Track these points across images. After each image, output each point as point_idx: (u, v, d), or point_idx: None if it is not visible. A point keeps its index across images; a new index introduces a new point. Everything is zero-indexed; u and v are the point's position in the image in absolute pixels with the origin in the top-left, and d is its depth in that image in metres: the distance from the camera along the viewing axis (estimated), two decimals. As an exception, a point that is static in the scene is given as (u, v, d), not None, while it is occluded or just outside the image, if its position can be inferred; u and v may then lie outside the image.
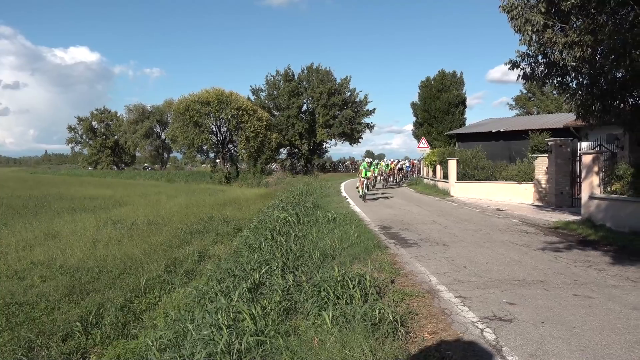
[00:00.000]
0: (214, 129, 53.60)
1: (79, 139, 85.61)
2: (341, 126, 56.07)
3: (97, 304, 9.23)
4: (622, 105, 12.85)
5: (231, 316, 6.10)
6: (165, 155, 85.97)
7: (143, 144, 79.79)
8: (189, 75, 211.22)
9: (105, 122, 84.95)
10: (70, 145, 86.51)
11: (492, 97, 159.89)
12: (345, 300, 5.76)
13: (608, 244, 9.89)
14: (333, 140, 59.45)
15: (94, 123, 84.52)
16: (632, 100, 12.80)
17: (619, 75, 11.98)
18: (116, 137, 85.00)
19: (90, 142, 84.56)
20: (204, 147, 54.27)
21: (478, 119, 54.70)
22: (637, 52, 10.74)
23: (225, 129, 53.59)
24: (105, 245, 13.78)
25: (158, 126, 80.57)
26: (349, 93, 58.26)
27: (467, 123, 47.82)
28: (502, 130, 32.08)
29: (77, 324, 8.22)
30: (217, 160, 56.03)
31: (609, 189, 12.53)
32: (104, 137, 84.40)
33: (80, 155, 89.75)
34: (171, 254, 12.97)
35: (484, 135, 32.73)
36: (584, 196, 13.03)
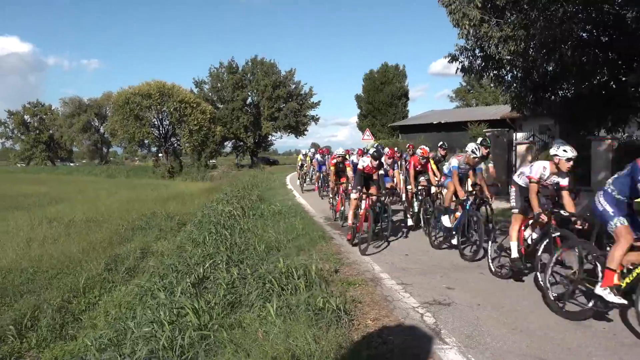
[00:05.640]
0: (156, 123, 52.19)
1: (10, 134, 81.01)
2: (286, 119, 55.96)
3: (32, 306, 8.82)
4: (552, 97, 13.48)
5: (174, 312, 6.00)
6: (105, 149, 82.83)
7: (80, 139, 76.46)
8: (128, 67, 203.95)
9: (38, 116, 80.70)
10: (0, 140, 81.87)
11: (434, 89, 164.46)
12: (290, 291, 5.78)
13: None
14: (278, 132, 59.28)
15: (26, 117, 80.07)
16: (561, 92, 13.45)
17: (550, 68, 12.54)
18: (51, 131, 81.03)
19: (23, 137, 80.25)
20: (146, 141, 52.76)
21: (421, 111, 56.17)
22: (566, 47, 11.28)
23: (167, 122, 52.28)
24: (41, 245, 13.18)
25: (96, 120, 77.34)
26: (294, 86, 58.16)
27: (410, 115, 49.02)
28: (443, 122, 33.10)
29: (11, 327, 7.85)
30: (160, 155, 54.62)
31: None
32: (37, 131, 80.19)
33: (11, 151, 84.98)
34: (112, 252, 12.57)
35: (426, 127, 33.66)
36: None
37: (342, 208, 11.30)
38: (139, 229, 15.61)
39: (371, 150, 8.63)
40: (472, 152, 7.67)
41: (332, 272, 6.77)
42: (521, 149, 13.72)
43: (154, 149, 55.74)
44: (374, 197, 8.54)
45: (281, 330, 4.56)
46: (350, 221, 8.83)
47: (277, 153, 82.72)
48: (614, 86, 12.14)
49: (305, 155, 23.26)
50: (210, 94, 57.22)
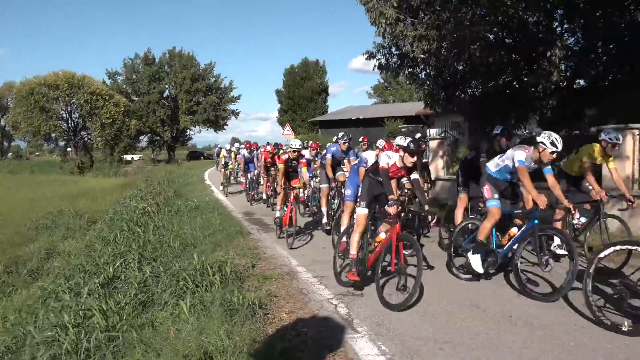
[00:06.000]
0: (64, 115, 49.10)
1: None
2: (205, 113, 54.88)
3: None
4: (462, 95, 14.16)
5: (80, 314, 5.68)
6: (6, 144, 76.74)
7: (-23, 132, 70.40)
8: (34, 56, 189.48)
9: None
10: None
11: (354, 85, 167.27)
12: (205, 288, 5.68)
13: (451, 222, 10.88)
14: (197, 127, 58.01)
15: None
16: (470, 91, 14.15)
17: (460, 68, 13.15)
18: (-58, 123, 73.91)
19: None
20: (53, 135, 49.49)
21: (341, 107, 57.11)
22: (475, 48, 11.88)
23: (77, 115, 49.30)
24: None
25: (-4, 112, 71.44)
26: (214, 79, 57.13)
27: (330, 110, 49.70)
28: (361, 117, 33.84)
29: None
30: (69, 149, 51.46)
31: (451, 170, 13.80)
32: None
33: None
34: (12, 253, 11.70)
35: (345, 122, 34.27)
36: (432, 178, 14.21)
37: (294, 222, 8.44)
38: (44, 228, 14.62)
39: (400, 141, 5.48)
40: (552, 144, 5.36)
41: (248, 267, 6.72)
42: (433, 144, 14.29)
43: (62, 143, 52.44)
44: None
45: (194, 328, 4.46)
46: (354, 250, 5.70)
47: (196, 147, 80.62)
48: (516, 86, 12.95)
49: (230, 151, 18.89)
50: (124, 85, 54.80)
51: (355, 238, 5.76)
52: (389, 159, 5.77)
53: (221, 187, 17.72)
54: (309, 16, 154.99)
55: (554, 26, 11.99)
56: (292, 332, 4.41)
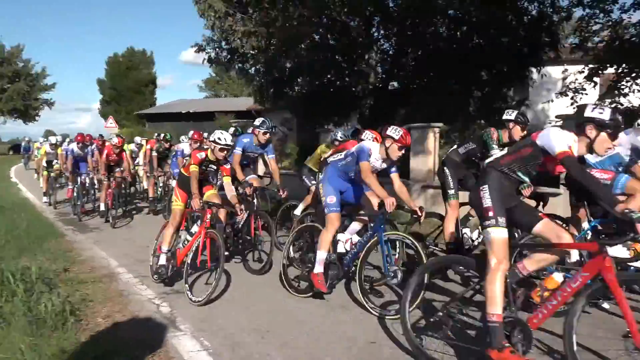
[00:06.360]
0: None
1: None
2: (12, 101, 48.40)
3: None
4: (291, 92, 14.68)
5: None
6: None
7: None
8: None
9: None
10: None
11: (185, 78, 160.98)
12: (5, 298, 5.01)
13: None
14: (2, 117, 50.99)
15: None
16: (298, 88, 14.74)
17: (288, 65, 13.62)
18: None
19: None
20: None
21: (171, 99, 55.12)
22: (302, 47, 12.39)
23: None
24: None
25: None
26: (22, 64, 50.71)
27: (159, 103, 47.76)
28: (191, 111, 33.10)
29: None
30: None
31: (280, 165, 14.22)
32: None
33: None
34: None
35: (175, 116, 33.28)
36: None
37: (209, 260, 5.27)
38: None
39: (595, 112, 3.13)
40: None
41: (60, 272, 6.10)
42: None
43: None
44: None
45: (-10, 344, 3.92)
46: (498, 308, 3.12)
47: (0, 141, 70.77)
48: (339, 85, 13.82)
49: (55, 145, 13.38)
50: None
51: (497, 285, 3.16)
52: (571, 141, 3.19)
53: (45, 198, 12.93)
54: (134, 1, 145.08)
55: (372, 31, 13.04)
56: (108, 336, 4.12)
